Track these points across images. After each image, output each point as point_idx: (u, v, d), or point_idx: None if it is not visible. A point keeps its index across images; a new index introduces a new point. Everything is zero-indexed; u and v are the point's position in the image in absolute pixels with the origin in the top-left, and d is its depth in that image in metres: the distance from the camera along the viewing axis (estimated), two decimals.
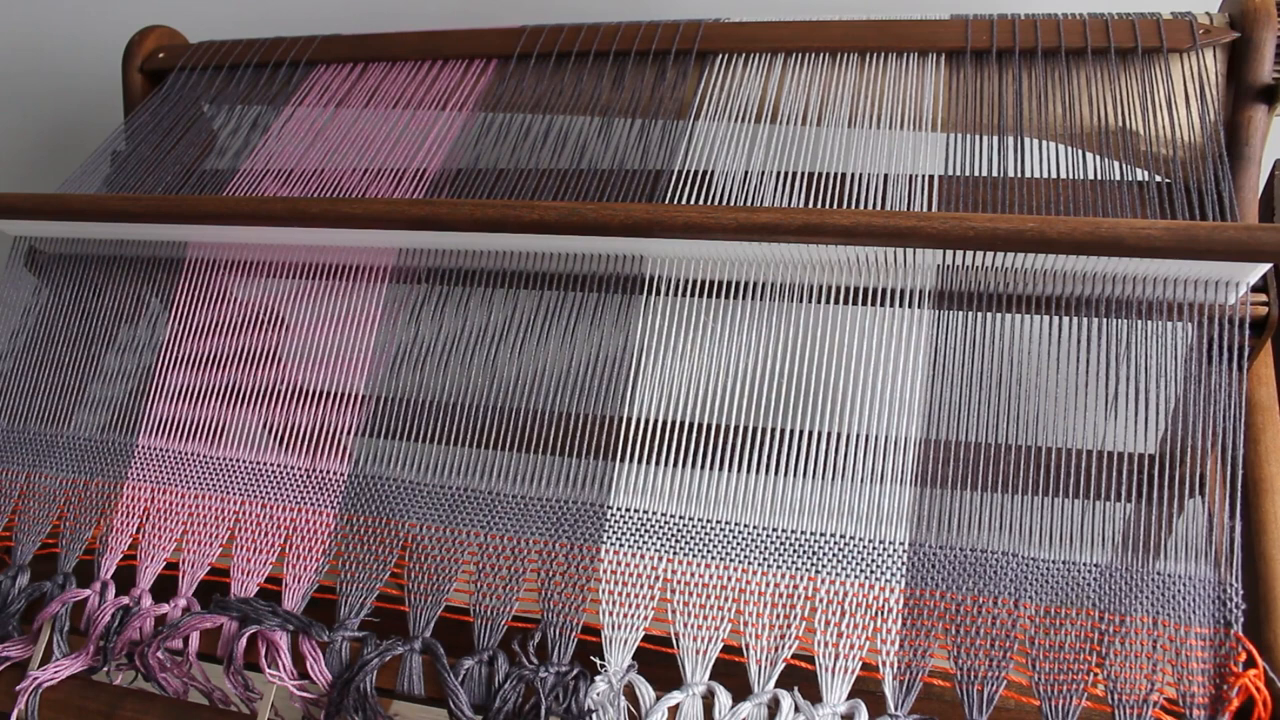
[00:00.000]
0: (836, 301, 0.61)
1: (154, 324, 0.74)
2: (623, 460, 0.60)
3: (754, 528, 0.58)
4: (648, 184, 0.67)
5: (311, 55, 0.81)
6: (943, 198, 0.63)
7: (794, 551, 0.57)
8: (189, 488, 0.67)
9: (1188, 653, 0.52)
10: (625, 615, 0.57)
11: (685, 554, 0.58)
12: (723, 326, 0.62)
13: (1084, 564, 0.54)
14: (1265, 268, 0.55)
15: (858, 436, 0.58)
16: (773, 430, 0.59)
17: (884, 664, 0.54)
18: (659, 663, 0.56)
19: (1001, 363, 0.58)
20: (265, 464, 0.67)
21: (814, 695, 0.54)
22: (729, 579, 0.57)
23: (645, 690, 0.55)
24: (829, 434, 0.58)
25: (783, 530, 0.57)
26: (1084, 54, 0.65)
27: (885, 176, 0.64)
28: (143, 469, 0.69)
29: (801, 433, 0.58)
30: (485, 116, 0.74)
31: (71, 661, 0.63)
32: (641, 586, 0.58)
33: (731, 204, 0.65)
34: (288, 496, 0.65)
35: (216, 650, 0.61)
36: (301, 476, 0.66)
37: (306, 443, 0.67)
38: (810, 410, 0.59)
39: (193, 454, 0.69)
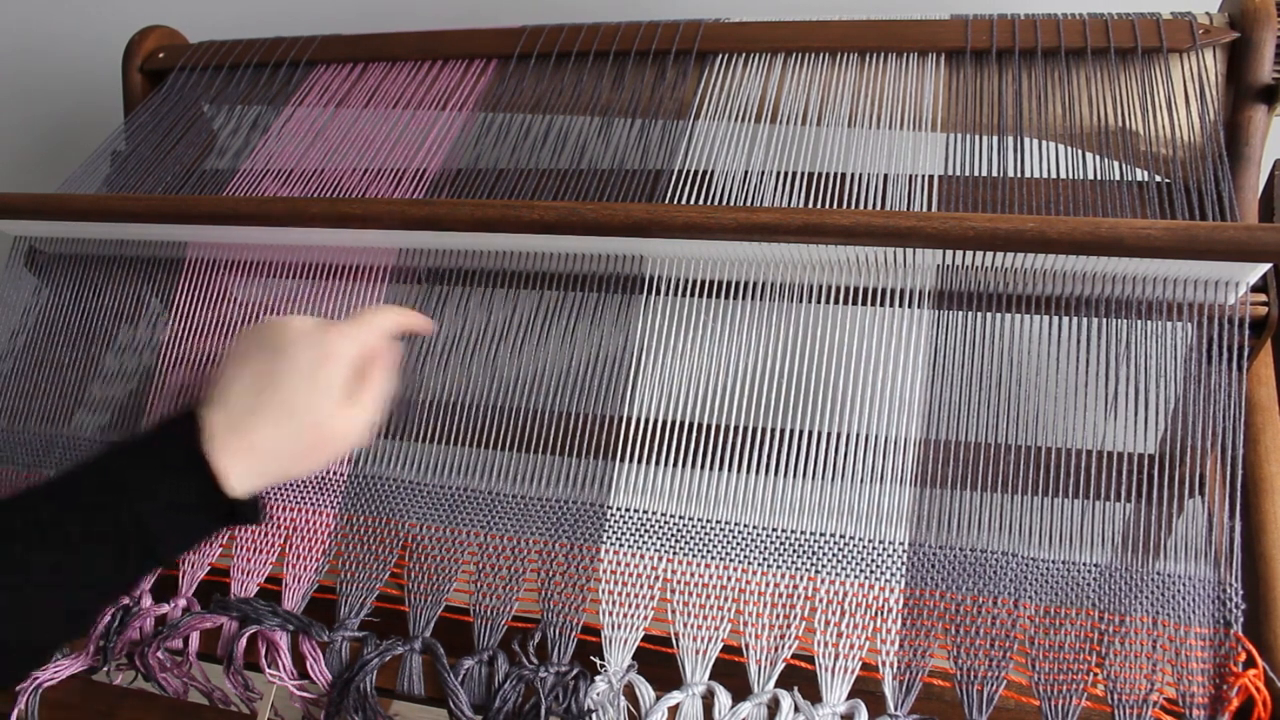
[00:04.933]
0: (836, 301, 0.61)
1: (154, 324, 0.74)
2: (623, 460, 0.60)
3: (754, 528, 0.58)
4: (648, 184, 0.67)
5: (311, 55, 0.81)
6: (943, 198, 0.63)
7: (794, 551, 0.57)
8: None
9: (1187, 653, 0.52)
10: (625, 615, 0.57)
11: (685, 554, 0.58)
12: (722, 326, 0.62)
13: (1084, 564, 0.54)
14: (1265, 268, 0.55)
15: (857, 436, 0.58)
16: (772, 430, 0.59)
17: (884, 664, 0.54)
18: (659, 663, 0.56)
19: (1001, 363, 0.58)
20: None
21: (814, 695, 0.54)
22: (729, 579, 0.57)
23: (645, 690, 0.55)
24: (829, 434, 0.58)
25: (782, 530, 0.57)
26: (1084, 54, 0.65)
27: (885, 176, 0.64)
28: None
29: (801, 432, 0.58)
30: (485, 116, 0.74)
31: (71, 661, 0.63)
32: (641, 586, 0.58)
33: (731, 204, 0.65)
34: (287, 496, 0.65)
35: (216, 650, 0.61)
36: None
37: None
38: (810, 410, 0.59)
39: None
